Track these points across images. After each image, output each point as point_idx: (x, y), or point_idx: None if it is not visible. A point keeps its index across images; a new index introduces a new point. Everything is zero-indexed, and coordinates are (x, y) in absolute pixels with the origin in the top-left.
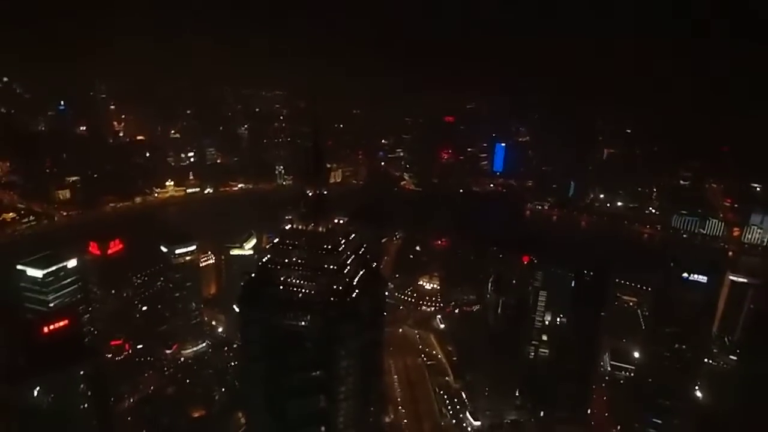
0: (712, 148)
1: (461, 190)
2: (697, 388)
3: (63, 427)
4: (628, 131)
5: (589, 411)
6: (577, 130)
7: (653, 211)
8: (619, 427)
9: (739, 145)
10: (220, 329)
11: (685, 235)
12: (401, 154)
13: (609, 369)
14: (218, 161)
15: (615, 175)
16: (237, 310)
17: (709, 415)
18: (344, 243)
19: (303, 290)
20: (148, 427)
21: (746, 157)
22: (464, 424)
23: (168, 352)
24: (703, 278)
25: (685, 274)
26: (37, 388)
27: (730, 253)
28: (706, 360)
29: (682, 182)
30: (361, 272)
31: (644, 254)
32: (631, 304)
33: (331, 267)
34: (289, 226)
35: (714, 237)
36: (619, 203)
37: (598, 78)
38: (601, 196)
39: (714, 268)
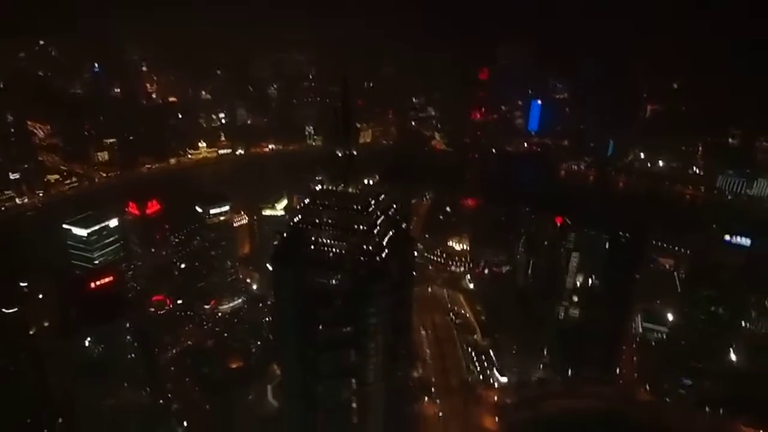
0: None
1: (493, 150)
2: (731, 351)
3: (113, 374)
4: (675, 86)
5: (618, 371)
6: (619, 86)
7: (697, 171)
8: (648, 387)
9: None
10: (254, 286)
11: (730, 197)
12: (432, 113)
13: (641, 331)
14: (248, 122)
15: (658, 134)
16: (270, 268)
17: (743, 378)
18: (374, 203)
19: (333, 250)
20: (190, 376)
21: None
22: (491, 380)
23: (206, 307)
24: (746, 241)
25: (727, 237)
26: (88, 339)
27: None
28: (743, 324)
29: (730, 140)
30: (391, 232)
31: (684, 216)
32: (667, 266)
33: (361, 227)
34: (320, 186)
35: (761, 198)
36: (661, 163)
37: (643, 30)
38: (642, 155)
39: (759, 230)
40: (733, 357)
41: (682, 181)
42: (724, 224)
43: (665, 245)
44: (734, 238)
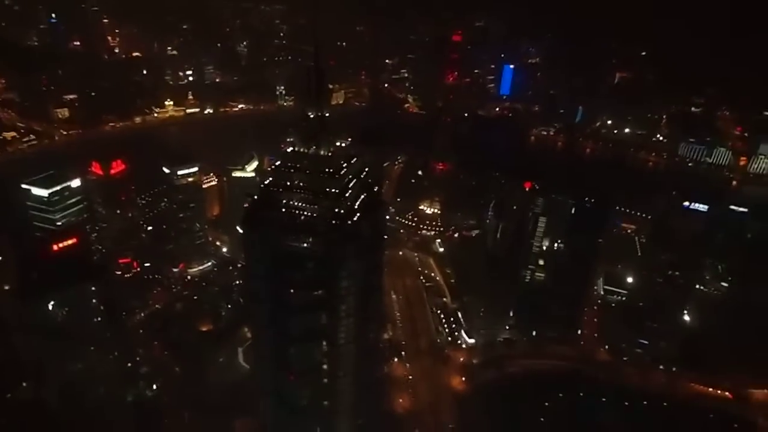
0: (729, 74)
1: (466, 114)
2: (686, 312)
3: (80, 338)
4: (643, 54)
5: (579, 331)
6: (589, 52)
7: (661, 138)
8: (607, 347)
9: (757, 71)
10: (224, 249)
11: (690, 164)
12: (405, 74)
13: (602, 293)
14: (217, 80)
15: (625, 101)
16: (240, 231)
17: (695, 337)
18: (346, 166)
19: (305, 213)
20: (159, 339)
21: (763, 84)
22: (459, 342)
23: (175, 270)
24: (703, 207)
25: (686, 203)
26: (52, 302)
27: (734, 183)
28: (697, 286)
29: (693, 109)
30: (363, 196)
31: (647, 182)
32: (629, 231)
33: (333, 190)
34: (291, 148)
35: (719, 166)
36: (627, 130)
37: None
38: (609, 122)
39: (716, 197)
40: (686, 318)
41: (647, 148)
42: (684, 191)
43: (628, 210)
44: (692, 204)
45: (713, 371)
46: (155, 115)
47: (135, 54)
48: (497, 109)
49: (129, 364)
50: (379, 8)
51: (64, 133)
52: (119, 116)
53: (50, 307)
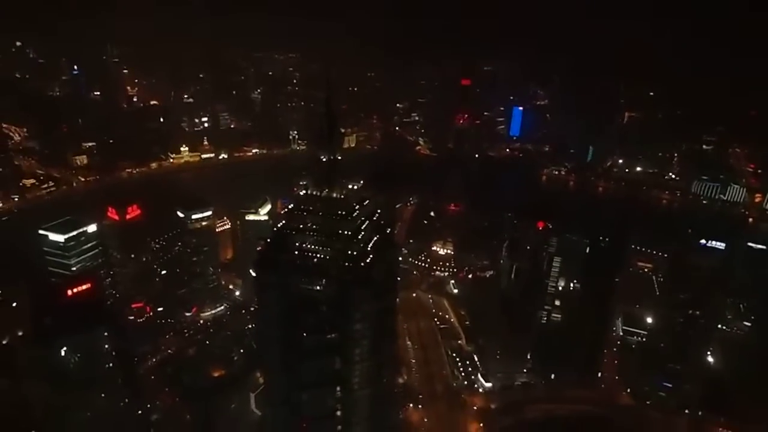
0: (739, 113)
1: (477, 155)
2: (709, 353)
3: (90, 384)
4: (651, 94)
5: (599, 374)
6: (597, 93)
7: (673, 176)
8: (629, 390)
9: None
10: (237, 293)
11: (705, 201)
12: (416, 118)
13: (621, 334)
14: (232, 126)
15: (635, 140)
16: (253, 274)
17: (720, 379)
18: (358, 208)
19: (318, 255)
20: (171, 385)
21: None
22: (476, 386)
23: (187, 314)
24: (720, 245)
25: (703, 241)
26: (64, 348)
27: (750, 220)
28: (719, 326)
29: (704, 147)
30: (375, 237)
31: (662, 220)
32: (646, 270)
33: (346, 232)
34: (304, 191)
35: (735, 203)
36: (639, 168)
37: (620, 40)
38: (620, 161)
39: (733, 234)
40: (710, 359)
41: (659, 186)
42: (700, 229)
43: (644, 249)
44: (709, 242)
45: (741, 416)
46: (171, 160)
47: (152, 102)
48: (507, 150)
49: (139, 412)
50: (389, 54)
51: (82, 179)
52: (136, 162)
53: (62, 353)
